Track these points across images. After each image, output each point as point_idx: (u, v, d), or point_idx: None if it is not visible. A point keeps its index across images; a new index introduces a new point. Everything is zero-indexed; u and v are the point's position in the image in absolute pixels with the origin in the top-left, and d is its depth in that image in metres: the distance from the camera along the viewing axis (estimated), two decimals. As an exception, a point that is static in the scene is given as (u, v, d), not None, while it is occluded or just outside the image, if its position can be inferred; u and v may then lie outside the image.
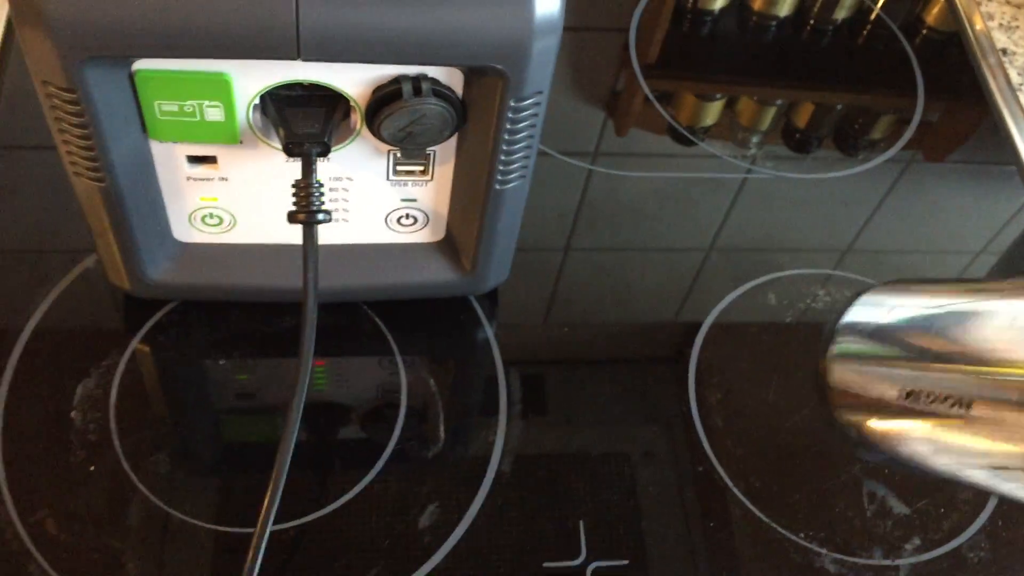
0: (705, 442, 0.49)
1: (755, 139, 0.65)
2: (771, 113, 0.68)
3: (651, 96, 0.65)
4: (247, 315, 0.50)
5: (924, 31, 0.73)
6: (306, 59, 0.36)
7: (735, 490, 0.48)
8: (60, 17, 0.33)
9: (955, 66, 0.70)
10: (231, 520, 0.44)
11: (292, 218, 0.40)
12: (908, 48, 0.70)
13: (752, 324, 0.54)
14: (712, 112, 0.67)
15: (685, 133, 0.64)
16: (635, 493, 0.48)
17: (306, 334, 0.41)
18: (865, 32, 0.73)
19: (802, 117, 0.68)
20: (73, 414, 0.46)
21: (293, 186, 0.40)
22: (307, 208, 0.40)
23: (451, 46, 0.36)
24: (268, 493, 0.39)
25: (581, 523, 0.46)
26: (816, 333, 0.54)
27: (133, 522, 0.44)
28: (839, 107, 0.69)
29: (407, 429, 0.48)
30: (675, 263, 0.57)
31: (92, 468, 0.45)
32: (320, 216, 0.40)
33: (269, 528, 0.39)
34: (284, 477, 0.39)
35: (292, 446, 0.40)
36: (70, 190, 0.42)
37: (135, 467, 0.45)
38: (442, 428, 0.48)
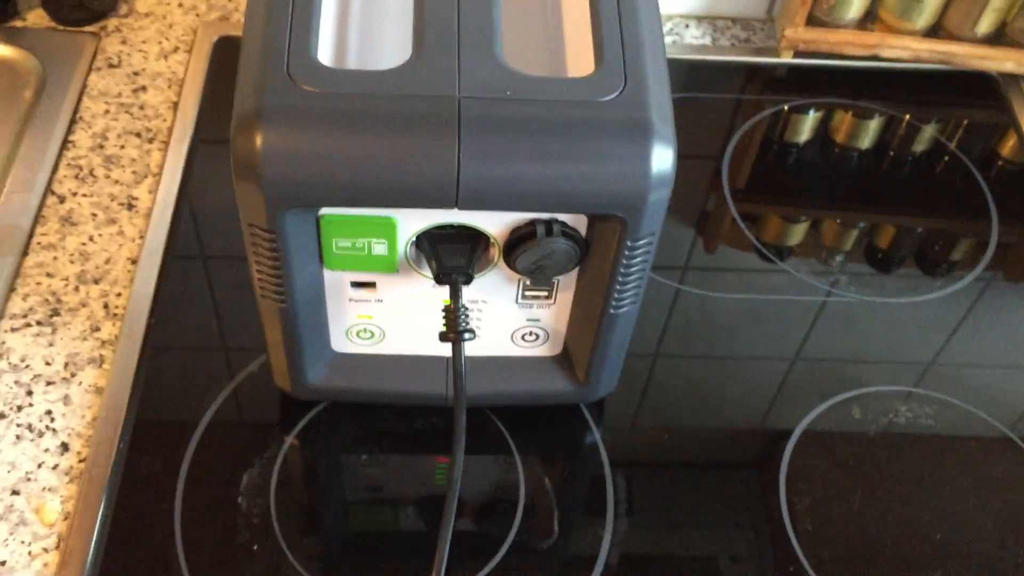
0: (795, 542, 0.54)
1: (838, 258, 0.71)
2: (853, 235, 0.73)
3: (738, 217, 0.72)
4: (386, 416, 0.57)
5: (999, 163, 0.78)
6: (462, 208, 0.43)
7: (823, 588, 0.52)
8: (272, 177, 0.42)
9: (1029, 196, 0.75)
10: (374, 597, 0.50)
11: (443, 337, 0.47)
12: (980, 178, 0.76)
13: (838, 435, 0.59)
14: (797, 233, 0.73)
15: (768, 253, 0.70)
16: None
17: (458, 434, 0.47)
18: (942, 164, 0.78)
19: (884, 239, 0.73)
20: (240, 499, 0.54)
21: (443, 310, 0.47)
22: (455, 328, 0.47)
23: (581, 197, 0.44)
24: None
25: (682, 613, 0.51)
26: (897, 445, 0.59)
27: (290, 596, 0.50)
28: (919, 230, 0.74)
29: (525, 522, 0.54)
30: (761, 376, 0.63)
31: (255, 547, 0.52)
32: (466, 335, 0.47)
33: None
34: (445, 561, 0.45)
35: (450, 532, 0.45)
36: (238, 298, 0.50)
37: (291, 547, 0.52)
38: (556, 523, 0.54)
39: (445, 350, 0.50)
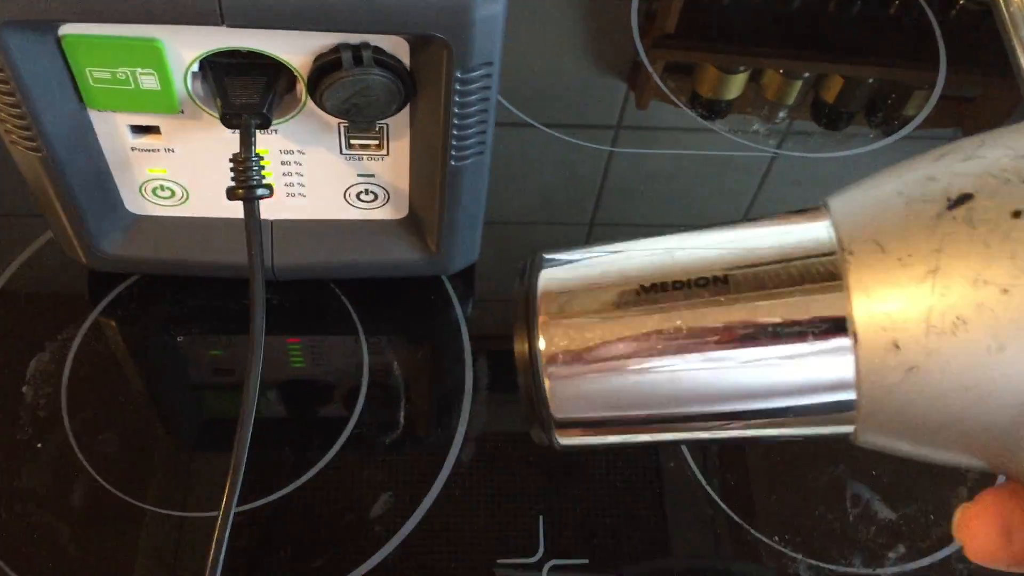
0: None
1: (781, 114, 0.62)
2: (797, 87, 0.64)
3: (650, 68, 0.62)
4: (209, 290, 0.49)
5: (960, 2, 0.68)
6: (231, 25, 0.34)
7: (707, 487, 0.45)
8: (-33, -23, 0.32)
9: (986, 39, 0.66)
10: (173, 503, 0.43)
11: (231, 194, 0.38)
12: (933, 19, 0.66)
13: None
14: (735, 85, 0.64)
15: (690, 112, 0.60)
16: (599, 488, 0.45)
17: (256, 315, 0.39)
18: (895, 3, 0.68)
19: (831, 92, 0.64)
20: (24, 389, 0.45)
21: (231, 160, 0.38)
22: (246, 183, 0.38)
23: (385, 12, 0.34)
24: (228, 482, 0.37)
25: (540, 518, 0.44)
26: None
27: (76, 502, 0.43)
28: (870, 80, 0.65)
29: (366, 413, 0.46)
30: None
31: (39, 445, 0.44)
32: (260, 191, 0.38)
33: (231, 517, 0.37)
34: (243, 467, 0.38)
35: (249, 433, 0.38)
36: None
37: (82, 446, 0.44)
38: (402, 413, 0.47)
39: (263, 211, 0.41)
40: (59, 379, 0.46)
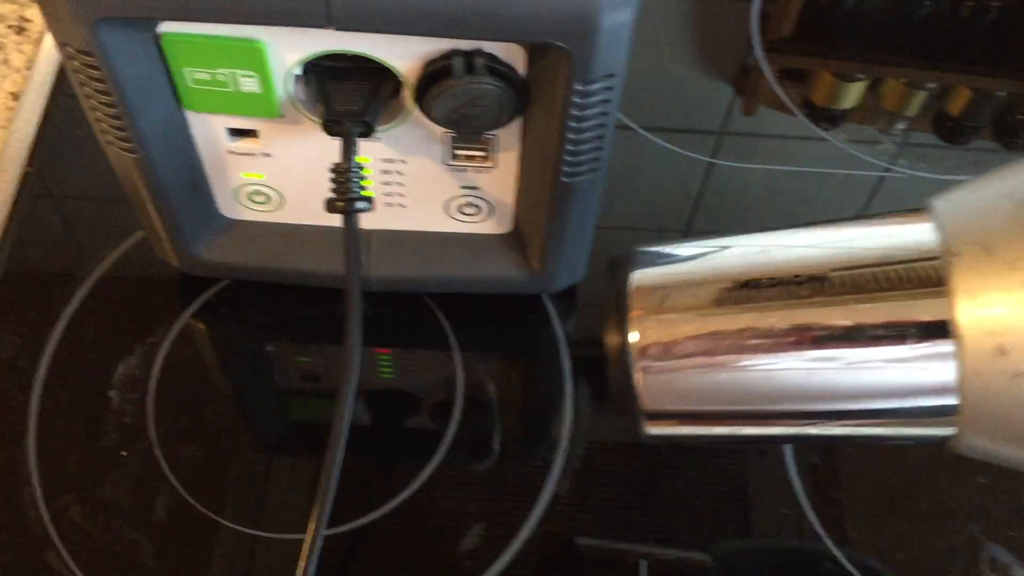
0: (796, 480, 0.43)
1: (900, 126, 0.58)
2: (920, 98, 0.60)
3: (768, 72, 0.58)
4: (302, 298, 0.46)
5: (1111, 11, 0.63)
6: (338, 28, 0.31)
7: (827, 540, 0.42)
8: (68, -29, 0.30)
9: None
10: (257, 523, 0.41)
11: (330, 206, 0.36)
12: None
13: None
14: (852, 94, 0.60)
15: (804, 119, 0.56)
16: (707, 531, 0.42)
17: (352, 332, 0.37)
18: (1039, 10, 0.63)
19: (957, 104, 0.59)
20: (111, 394, 0.44)
21: (331, 170, 0.36)
22: (346, 195, 0.36)
23: (504, 19, 0.31)
24: (317, 504, 0.35)
25: (643, 564, 0.41)
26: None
27: (158, 516, 0.41)
28: (1001, 94, 0.60)
29: (459, 437, 0.44)
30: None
31: (124, 454, 0.42)
32: (359, 204, 0.36)
33: (320, 542, 0.35)
34: (333, 491, 0.35)
35: (340, 462, 0.35)
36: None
37: (167, 457, 0.42)
38: (496, 439, 0.44)
39: (361, 220, 0.39)
40: (146, 385, 0.44)
